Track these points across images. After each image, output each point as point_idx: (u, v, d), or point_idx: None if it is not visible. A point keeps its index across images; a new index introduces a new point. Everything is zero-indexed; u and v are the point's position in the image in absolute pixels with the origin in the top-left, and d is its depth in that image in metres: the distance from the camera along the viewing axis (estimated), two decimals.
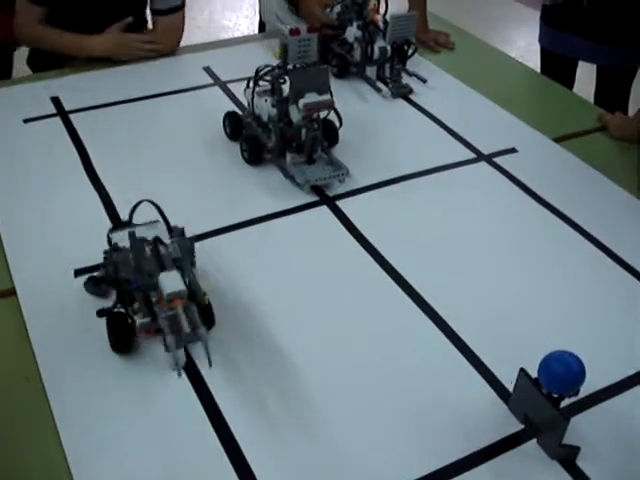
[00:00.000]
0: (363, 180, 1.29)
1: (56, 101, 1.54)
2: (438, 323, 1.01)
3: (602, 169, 1.36)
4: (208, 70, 1.70)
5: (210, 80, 1.66)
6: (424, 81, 1.64)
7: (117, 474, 0.81)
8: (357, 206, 1.24)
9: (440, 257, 1.14)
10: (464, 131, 1.47)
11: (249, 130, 1.36)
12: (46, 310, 1.01)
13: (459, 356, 0.96)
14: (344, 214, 1.22)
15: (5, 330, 1.00)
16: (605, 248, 1.16)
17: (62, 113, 1.50)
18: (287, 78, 1.26)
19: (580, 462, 0.83)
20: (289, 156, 1.29)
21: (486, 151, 1.41)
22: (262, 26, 2.08)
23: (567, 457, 0.83)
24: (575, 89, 1.92)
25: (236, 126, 1.40)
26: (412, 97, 1.60)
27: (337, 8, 1.68)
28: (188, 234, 0.97)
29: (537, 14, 1.99)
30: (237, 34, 3.91)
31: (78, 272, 1.07)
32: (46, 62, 1.74)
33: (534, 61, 2.06)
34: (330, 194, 1.27)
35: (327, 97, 1.24)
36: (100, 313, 0.94)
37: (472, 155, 1.40)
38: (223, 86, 1.63)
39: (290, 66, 1.27)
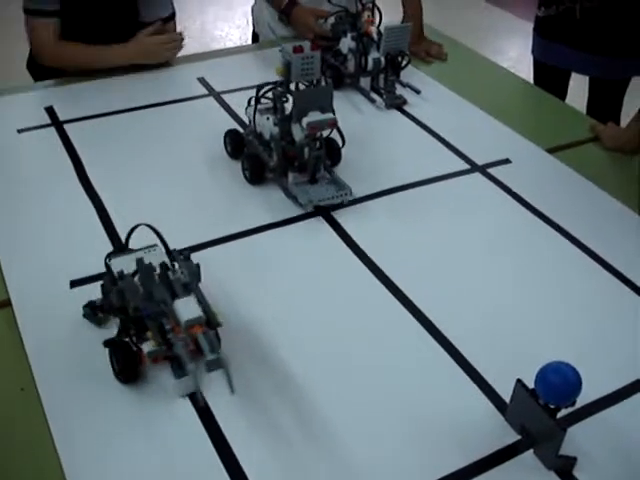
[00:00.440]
0: (357, 191, 1.29)
1: (50, 111, 1.54)
2: (434, 334, 1.01)
3: (595, 180, 1.37)
4: (202, 81, 1.70)
5: (205, 91, 1.66)
6: (418, 92, 1.64)
7: None
8: (352, 217, 1.24)
9: (435, 268, 1.14)
10: (458, 142, 1.48)
11: (250, 148, 1.35)
12: (42, 321, 1.01)
13: (455, 367, 0.96)
14: (339, 225, 1.22)
15: (0, 341, 0.99)
16: (599, 258, 1.17)
17: (56, 123, 1.50)
18: (289, 96, 1.25)
19: (577, 472, 0.83)
20: (291, 175, 1.27)
21: (480, 162, 1.42)
22: (255, 37, 2.08)
23: (564, 467, 0.83)
24: (567, 100, 1.93)
25: (237, 144, 1.38)
26: (406, 108, 1.61)
27: (331, 19, 1.69)
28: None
29: (528, 25, 2.01)
30: (229, 44, 3.92)
31: (74, 283, 1.07)
32: (45, 67, 1.73)
33: (525, 72, 2.07)
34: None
35: (331, 116, 1.22)
36: (107, 344, 0.92)
37: (466, 166, 1.41)
38: (218, 97, 1.63)
39: (292, 84, 1.25)
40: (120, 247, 0.96)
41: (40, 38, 1.67)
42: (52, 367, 0.94)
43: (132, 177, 1.34)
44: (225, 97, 1.63)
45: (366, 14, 1.64)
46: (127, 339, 0.91)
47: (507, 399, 0.88)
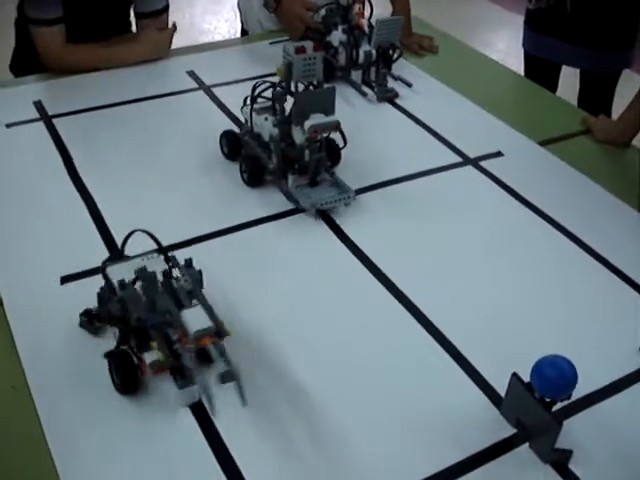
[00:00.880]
0: (349, 184, 1.28)
1: (39, 105, 1.53)
2: (428, 328, 1.01)
3: (587, 172, 1.37)
4: (192, 74, 1.69)
5: (195, 84, 1.65)
6: (409, 85, 1.64)
7: None
8: (344, 211, 1.23)
9: (429, 262, 1.14)
10: (450, 135, 1.48)
11: (248, 149, 1.31)
12: (33, 319, 1.00)
13: (450, 361, 0.96)
14: (331, 219, 1.22)
15: None
16: (591, 250, 1.17)
17: (45, 117, 1.48)
18: (289, 97, 1.21)
19: (573, 465, 0.83)
20: (291, 178, 1.23)
21: (472, 155, 1.42)
22: (244, 33, 2.07)
23: (560, 461, 0.83)
24: (558, 93, 1.93)
25: (234, 146, 1.34)
26: (397, 101, 1.60)
27: (322, 12, 1.68)
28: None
29: (516, 17, 2.01)
30: (218, 37, 3.90)
31: (64, 279, 1.06)
32: (29, 67, 1.71)
33: (514, 64, 2.07)
34: None
35: (334, 119, 1.19)
36: (108, 355, 0.89)
37: (458, 159, 1.41)
38: (208, 90, 1.62)
39: (293, 85, 1.21)
40: (116, 254, 0.93)
41: (46, 46, 1.63)
42: (44, 366, 0.93)
43: (123, 172, 1.33)
44: (215, 90, 1.61)
45: (357, 6, 1.63)
46: (127, 349, 0.88)
47: (502, 393, 0.88)
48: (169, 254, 0.91)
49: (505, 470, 0.83)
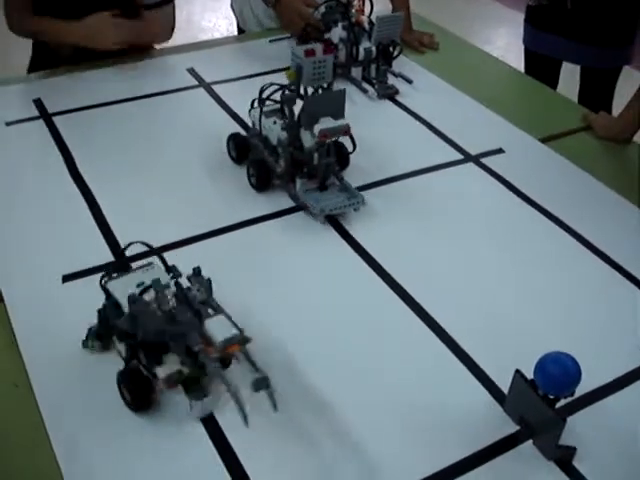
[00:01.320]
0: (350, 181, 1.27)
1: (38, 103, 1.52)
2: (431, 325, 1.01)
3: (588, 168, 1.37)
4: (192, 71, 1.68)
5: (195, 82, 1.64)
6: (410, 82, 1.64)
7: None
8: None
9: (430, 259, 1.14)
10: (451, 132, 1.47)
11: (256, 153, 1.29)
12: (35, 317, 1.00)
13: (453, 358, 0.96)
14: (335, 219, 1.21)
15: None
16: (593, 247, 1.17)
17: (45, 115, 1.48)
18: (299, 100, 1.18)
19: (577, 462, 0.83)
20: (299, 182, 1.21)
21: (473, 152, 1.41)
22: (241, 31, 2.06)
23: (564, 458, 0.83)
24: (559, 90, 1.93)
25: (242, 149, 1.32)
26: (398, 98, 1.60)
27: (322, 8, 1.68)
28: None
29: (515, 14, 2.01)
30: (217, 35, 3.89)
31: (66, 278, 1.06)
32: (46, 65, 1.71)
33: (514, 61, 2.06)
34: None
35: (344, 123, 1.16)
36: (119, 375, 0.87)
37: (459, 156, 1.40)
38: (208, 88, 1.62)
39: (302, 89, 1.18)
40: (116, 267, 0.90)
41: (11, 5, 1.65)
42: (46, 363, 0.93)
43: (124, 170, 1.32)
44: (215, 88, 1.61)
45: (357, 3, 1.63)
46: (137, 365, 0.86)
47: (506, 390, 0.88)
48: (170, 265, 0.88)
49: (509, 467, 0.83)
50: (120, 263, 0.90)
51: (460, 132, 1.47)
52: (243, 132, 1.37)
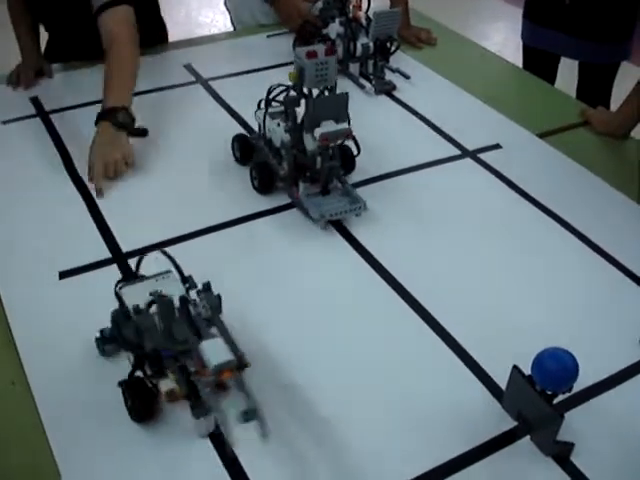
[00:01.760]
0: (348, 177, 1.28)
1: (35, 101, 1.52)
2: (429, 321, 1.01)
3: (586, 164, 1.37)
4: (189, 67, 1.68)
5: (192, 78, 1.64)
6: (407, 77, 1.63)
7: None
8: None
9: (428, 255, 1.13)
10: (448, 127, 1.47)
11: (260, 155, 1.27)
12: (32, 313, 1.00)
13: (451, 354, 0.96)
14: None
15: None
16: (591, 242, 1.17)
17: (42, 113, 1.48)
18: (302, 102, 1.16)
19: (574, 458, 0.83)
20: (302, 186, 1.19)
21: (471, 147, 1.41)
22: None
23: (561, 453, 0.83)
24: (557, 85, 1.93)
25: (246, 150, 1.31)
26: (395, 93, 1.60)
27: (319, 4, 1.67)
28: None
29: (512, 9, 2.00)
30: (214, 30, 3.87)
31: (63, 274, 1.06)
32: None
33: (511, 56, 2.06)
34: None
35: (345, 126, 1.14)
36: (121, 384, 0.85)
37: (457, 151, 1.40)
38: (205, 84, 1.61)
39: (306, 90, 1.15)
40: (131, 274, 0.87)
41: None
42: (43, 361, 0.93)
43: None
44: (212, 84, 1.61)
45: None
46: (142, 375, 0.84)
47: (503, 386, 0.88)
48: (186, 275, 0.86)
49: (507, 463, 0.83)
50: (137, 272, 0.86)
51: (457, 128, 1.47)
52: (241, 128, 1.37)
